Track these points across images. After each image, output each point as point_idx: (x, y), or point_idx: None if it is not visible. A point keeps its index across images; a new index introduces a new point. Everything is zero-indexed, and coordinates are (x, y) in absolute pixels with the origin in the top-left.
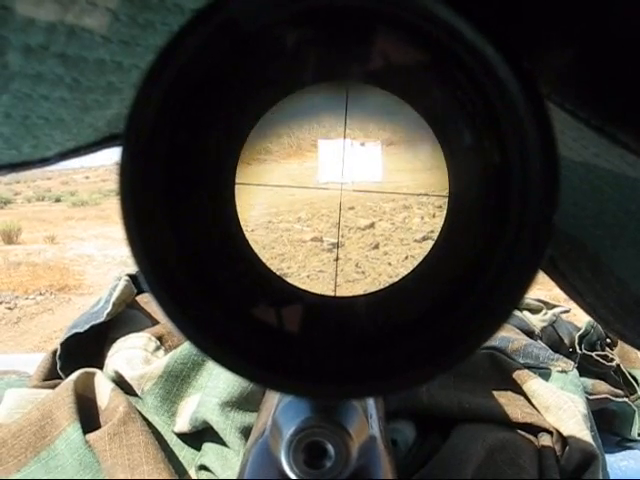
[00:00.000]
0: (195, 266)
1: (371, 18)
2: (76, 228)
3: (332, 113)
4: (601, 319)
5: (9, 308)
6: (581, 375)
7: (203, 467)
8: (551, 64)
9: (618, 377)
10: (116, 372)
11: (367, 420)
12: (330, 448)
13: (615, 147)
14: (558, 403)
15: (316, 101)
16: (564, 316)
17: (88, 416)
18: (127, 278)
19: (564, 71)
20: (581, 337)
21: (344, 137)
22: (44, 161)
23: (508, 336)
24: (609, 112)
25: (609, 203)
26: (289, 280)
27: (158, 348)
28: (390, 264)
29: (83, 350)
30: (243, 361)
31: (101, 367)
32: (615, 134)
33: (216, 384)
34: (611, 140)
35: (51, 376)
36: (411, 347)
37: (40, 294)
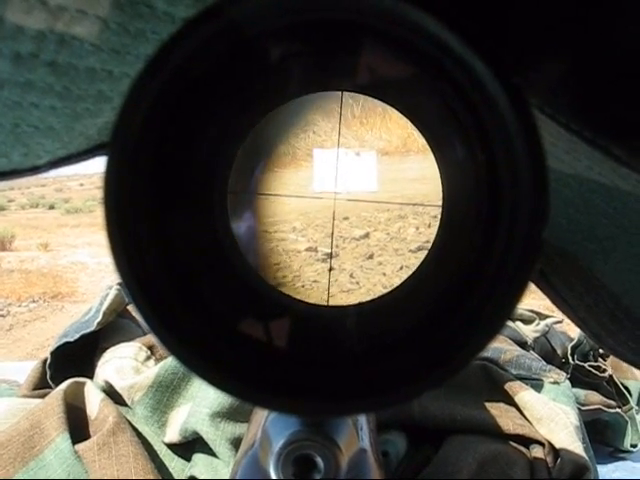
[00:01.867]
0: (182, 278)
1: (360, 31)
2: (70, 235)
3: (327, 121)
4: (592, 334)
5: (2, 315)
6: (573, 386)
7: (193, 478)
8: (543, 75)
9: (611, 388)
10: (106, 382)
11: (357, 432)
12: (319, 461)
13: (608, 160)
14: (550, 415)
15: (310, 110)
16: (557, 326)
17: (77, 426)
18: (118, 287)
19: (557, 83)
20: (574, 348)
21: (338, 146)
22: (35, 169)
23: (500, 347)
24: (602, 124)
25: (601, 217)
26: (283, 290)
27: (149, 358)
28: (385, 274)
29: (73, 359)
30: (228, 377)
31: (91, 376)
32: (608, 147)
33: (206, 394)
34: (604, 153)
35: (41, 385)
36: (402, 361)
37: (33, 301)
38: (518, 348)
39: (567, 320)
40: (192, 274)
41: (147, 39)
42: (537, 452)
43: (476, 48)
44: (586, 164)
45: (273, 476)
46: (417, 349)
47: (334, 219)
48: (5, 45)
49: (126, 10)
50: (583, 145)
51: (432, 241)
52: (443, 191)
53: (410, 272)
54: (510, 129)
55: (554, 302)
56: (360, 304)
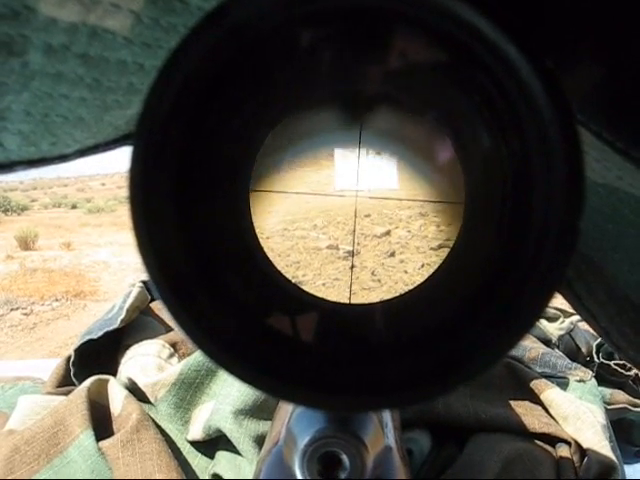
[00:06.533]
0: (208, 274)
1: (387, 18)
2: (92, 235)
3: (347, 129)
4: (614, 344)
5: (25, 314)
6: (599, 384)
7: (216, 476)
8: (578, 84)
9: (636, 386)
10: (129, 379)
11: (383, 430)
12: (345, 459)
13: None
14: (576, 413)
15: (331, 116)
16: (581, 324)
17: (101, 423)
18: (141, 285)
19: (591, 91)
20: (598, 346)
21: (359, 145)
22: (63, 158)
23: (525, 344)
24: (635, 136)
25: (629, 227)
26: (305, 288)
27: (172, 355)
28: (406, 272)
29: (97, 357)
30: (255, 371)
31: (114, 374)
32: None
33: (230, 392)
34: (636, 164)
35: (65, 382)
36: (429, 358)
37: (56, 300)
38: (543, 346)
39: None
40: (219, 268)
41: (179, 34)
42: (563, 451)
43: (509, 33)
44: (617, 174)
45: (298, 474)
46: (444, 346)
47: (356, 216)
48: (37, 36)
49: (160, 5)
50: (615, 155)
51: (454, 238)
52: (465, 186)
53: (432, 270)
54: (544, 115)
55: (576, 310)
56: (384, 301)
